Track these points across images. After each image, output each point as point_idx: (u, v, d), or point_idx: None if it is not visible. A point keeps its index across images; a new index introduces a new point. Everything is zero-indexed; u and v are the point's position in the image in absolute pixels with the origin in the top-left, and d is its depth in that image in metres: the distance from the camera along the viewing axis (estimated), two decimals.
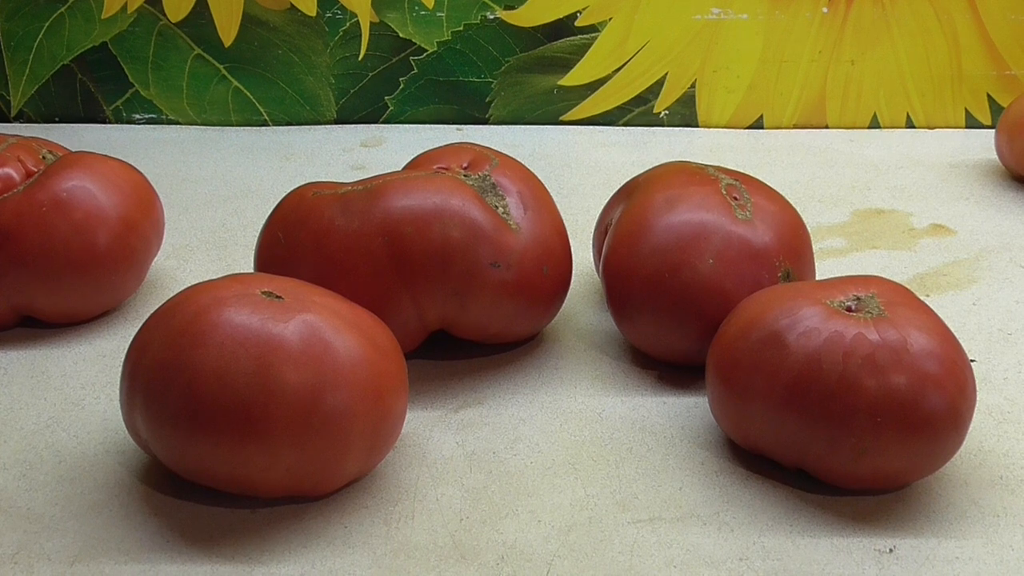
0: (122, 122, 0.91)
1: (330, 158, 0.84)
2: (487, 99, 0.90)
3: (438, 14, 0.88)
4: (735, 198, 0.53)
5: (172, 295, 0.46)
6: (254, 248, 0.54)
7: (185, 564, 0.41)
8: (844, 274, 0.49)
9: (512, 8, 0.88)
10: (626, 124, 0.90)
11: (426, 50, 0.89)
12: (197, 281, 0.49)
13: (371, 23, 0.88)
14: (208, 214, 0.73)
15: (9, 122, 0.91)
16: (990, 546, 0.42)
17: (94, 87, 0.90)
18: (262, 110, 0.90)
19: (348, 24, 0.88)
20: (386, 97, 0.90)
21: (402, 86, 0.90)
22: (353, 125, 0.91)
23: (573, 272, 0.56)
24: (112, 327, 0.58)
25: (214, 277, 0.47)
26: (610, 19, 0.88)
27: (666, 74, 0.89)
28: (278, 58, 0.89)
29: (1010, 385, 0.53)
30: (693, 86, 0.89)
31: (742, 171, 0.57)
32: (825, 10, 0.87)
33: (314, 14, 0.88)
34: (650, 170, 0.58)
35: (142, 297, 0.61)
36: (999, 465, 0.47)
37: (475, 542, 0.43)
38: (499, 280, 0.51)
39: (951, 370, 0.43)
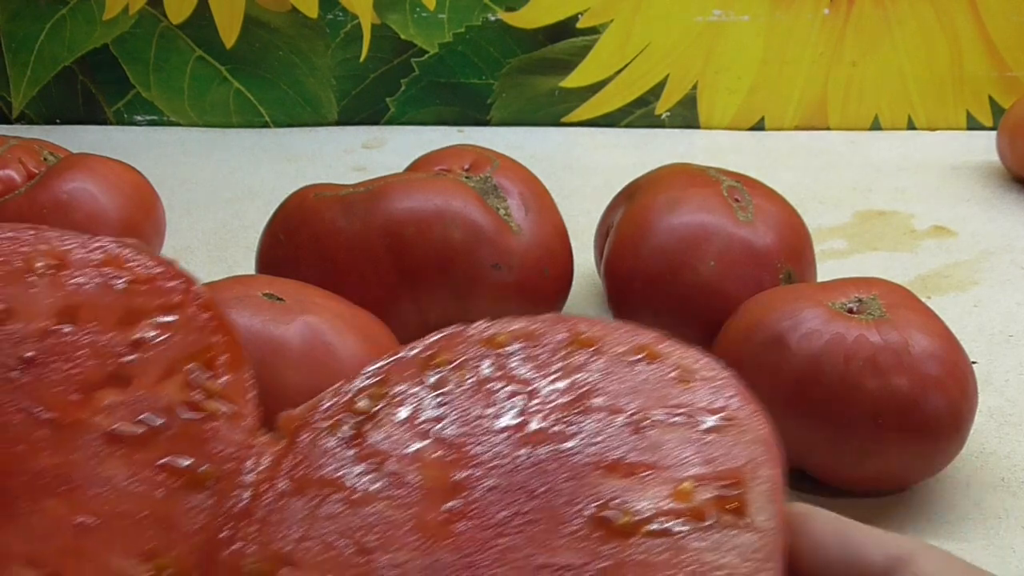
0: (123, 123, 0.91)
1: (331, 159, 0.84)
2: (488, 100, 0.90)
3: (439, 16, 0.88)
4: (736, 200, 0.53)
5: None
6: (255, 250, 0.54)
7: None
8: (845, 276, 0.49)
9: (513, 10, 0.88)
10: (627, 126, 0.90)
11: (427, 52, 0.89)
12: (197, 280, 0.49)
13: (372, 25, 0.88)
14: (209, 216, 0.73)
15: (10, 123, 0.91)
16: (992, 548, 0.42)
17: (95, 88, 0.90)
18: (263, 112, 0.90)
19: (349, 26, 0.88)
20: (387, 98, 0.90)
21: (403, 87, 0.90)
22: (354, 127, 0.91)
23: (574, 274, 0.56)
24: None
25: (215, 279, 0.47)
26: (611, 21, 0.88)
27: (667, 76, 0.89)
28: (279, 60, 0.89)
29: (1011, 387, 0.53)
30: (694, 88, 0.89)
31: (743, 173, 0.57)
32: (826, 11, 0.87)
33: (315, 16, 0.88)
34: (651, 172, 0.58)
35: None
36: (1000, 467, 0.47)
37: None
38: (500, 281, 0.51)
39: (952, 372, 0.43)
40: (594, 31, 0.88)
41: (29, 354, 0.26)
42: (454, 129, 0.90)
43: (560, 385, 0.26)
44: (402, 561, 0.24)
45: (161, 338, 0.26)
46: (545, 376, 0.26)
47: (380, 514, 0.24)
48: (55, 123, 0.91)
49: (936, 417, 0.42)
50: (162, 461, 0.25)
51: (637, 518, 0.24)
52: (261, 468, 0.25)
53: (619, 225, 0.54)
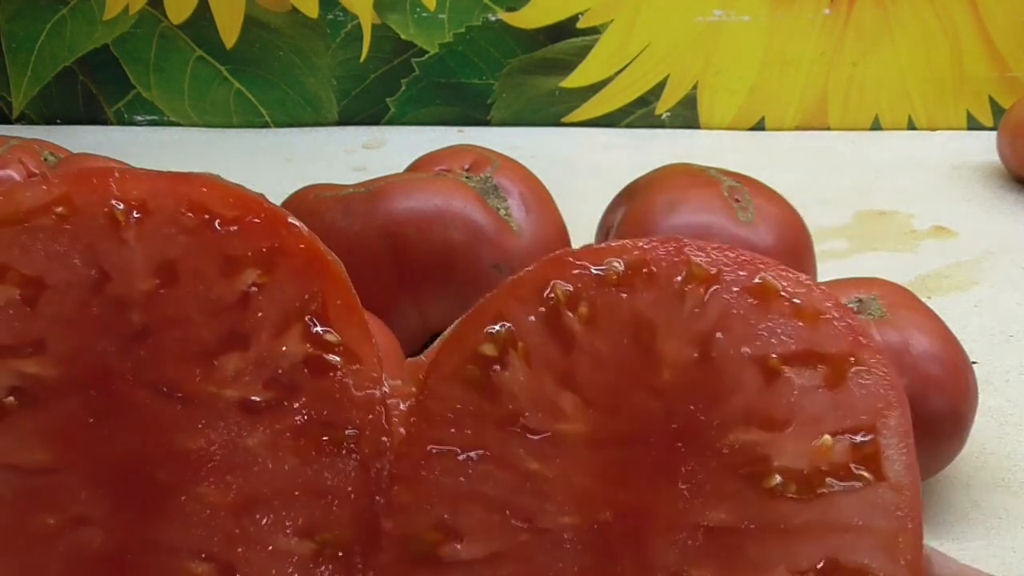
0: (124, 124, 0.91)
1: (332, 160, 0.84)
2: (488, 101, 0.90)
3: (440, 16, 0.88)
4: (737, 200, 0.53)
5: None
6: None
7: None
8: (846, 276, 0.49)
9: (514, 10, 0.88)
10: (628, 126, 0.90)
11: (428, 52, 0.89)
12: None
13: (372, 25, 0.88)
14: None
15: (10, 123, 0.91)
16: (992, 548, 0.42)
17: (96, 89, 0.90)
18: (264, 112, 0.90)
19: (350, 26, 0.88)
20: (388, 99, 0.90)
21: (404, 88, 0.90)
22: (355, 127, 0.91)
23: None
24: None
25: None
26: (611, 21, 0.88)
27: (668, 76, 0.89)
28: (280, 60, 0.89)
29: (1012, 387, 0.53)
30: (695, 88, 0.89)
31: (744, 173, 0.57)
32: (827, 12, 0.87)
33: (316, 16, 0.88)
34: (652, 172, 0.58)
35: None
36: (1001, 467, 0.47)
37: None
38: (501, 282, 0.51)
39: (952, 372, 0.43)
40: (594, 31, 0.88)
41: (140, 322, 0.23)
42: (454, 129, 0.90)
43: (686, 327, 0.24)
44: (566, 525, 0.23)
45: (268, 288, 0.24)
46: (670, 317, 0.25)
47: (531, 474, 0.23)
48: (55, 123, 0.91)
49: (936, 417, 0.42)
50: (301, 427, 0.23)
51: (784, 479, 0.23)
52: (398, 423, 0.24)
53: (620, 225, 0.54)
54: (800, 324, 0.24)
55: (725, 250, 0.25)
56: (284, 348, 0.24)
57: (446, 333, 0.26)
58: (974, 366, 0.45)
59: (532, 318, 0.25)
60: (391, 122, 0.91)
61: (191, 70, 0.90)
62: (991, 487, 0.46)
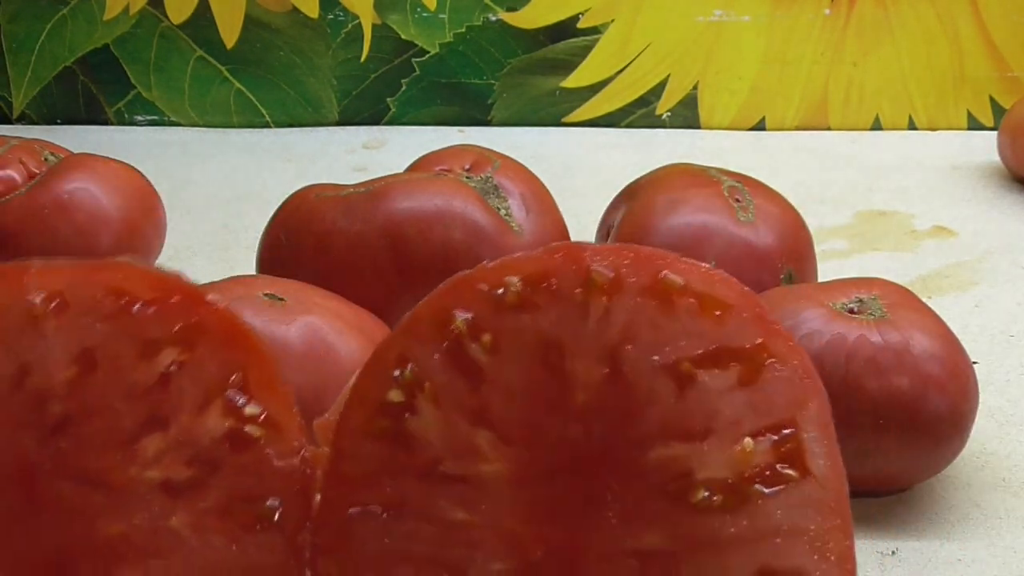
0: (124, 124, 0.91)
1: (332, 160, 0.84)
2: (489, 101, 0.90)
3: (440, 16, 0.88)
4: (737, 200, 0.53)
5: None
6: (256, 250, 0.54)
7: None
8: (846, 276, 0.49)
9: (514, 10, 0.88)
10: (628, 126, 0.90)
11: (428, 52, 0.89)
12: (199, 283, 0.49)
13: (373, 25, 0.88)
14: (210, 216, 0.73)
15: (11, 123, 0.91)
16: (992, 548, 0.42)
17: (96, 89, 0.90)
18: (264, 112, 0.90)
19: (350, 26, 0.88)
20: (388, 99, 0.90)
21: (404, 88, 0.90)
22: (355, 127, 0.91)
23: None
24: None
25: (216, 279, 0.47)
26: (612, 21, 0.88)
27: (668, 76, 0.89)
28: (280, 60, 0.89)
29: (1012, 387, 0.53)
30: (695, 88, 0.89)
31: (744, 173, 0.57)
32: (827, 12, 0.87)
33: (316, 16, 0.88)
34: (652, 172, 0.58)
35: None
36: (1001, 467, 0.47)
37: None
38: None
39: (953, 372, 0.43)
40: (595, 31, 0.88)
41: (60, 413, 0.23)
42: (455, 129, 0.90)
43: (593, 343, 0.23)
44: (498, 571, 0.23)
45: (187, 366, 0.24)
46: (575, 334, 0.23)
47: (457, 523, 0.23)
48: (56, 123, 0.91)
49: (937, 417, 0.42)
50: (224, 504, 0.23)
51: (710, 492, 0.22)
52: (317, 488, 0.23)
53: (620, 225, 0.54)
54: (708, 321, 0.23)
55: (623, 250, 0.24)
56: (204, 425, 0.23)
57: (349, 384, 0.25)
58: (975, 366, 0.45)
59: (436, 355, 0.24)
60: (391, 122, 0.91)
61: (191, 70, 0.90)
62: (992, 487, 0.46)
